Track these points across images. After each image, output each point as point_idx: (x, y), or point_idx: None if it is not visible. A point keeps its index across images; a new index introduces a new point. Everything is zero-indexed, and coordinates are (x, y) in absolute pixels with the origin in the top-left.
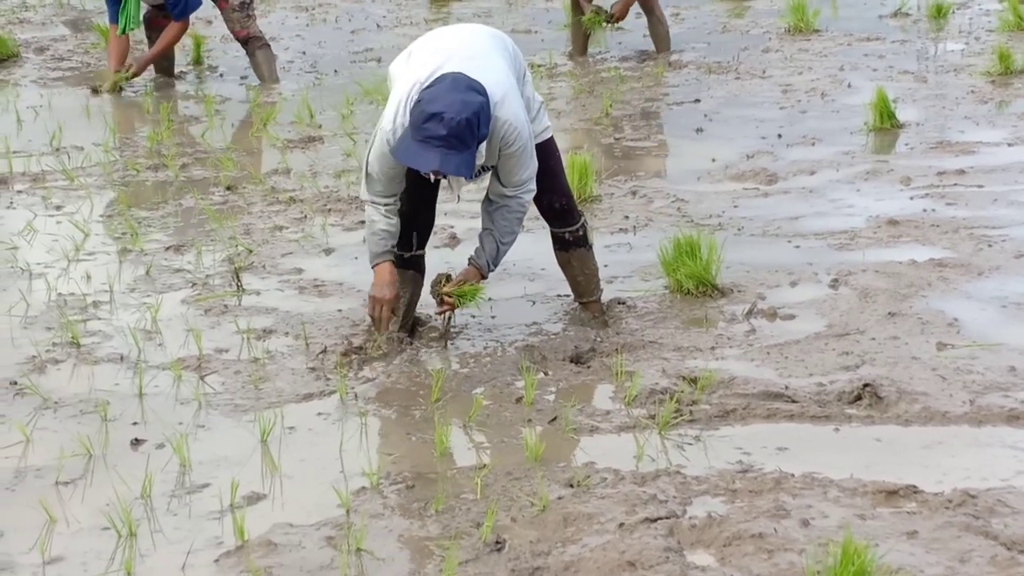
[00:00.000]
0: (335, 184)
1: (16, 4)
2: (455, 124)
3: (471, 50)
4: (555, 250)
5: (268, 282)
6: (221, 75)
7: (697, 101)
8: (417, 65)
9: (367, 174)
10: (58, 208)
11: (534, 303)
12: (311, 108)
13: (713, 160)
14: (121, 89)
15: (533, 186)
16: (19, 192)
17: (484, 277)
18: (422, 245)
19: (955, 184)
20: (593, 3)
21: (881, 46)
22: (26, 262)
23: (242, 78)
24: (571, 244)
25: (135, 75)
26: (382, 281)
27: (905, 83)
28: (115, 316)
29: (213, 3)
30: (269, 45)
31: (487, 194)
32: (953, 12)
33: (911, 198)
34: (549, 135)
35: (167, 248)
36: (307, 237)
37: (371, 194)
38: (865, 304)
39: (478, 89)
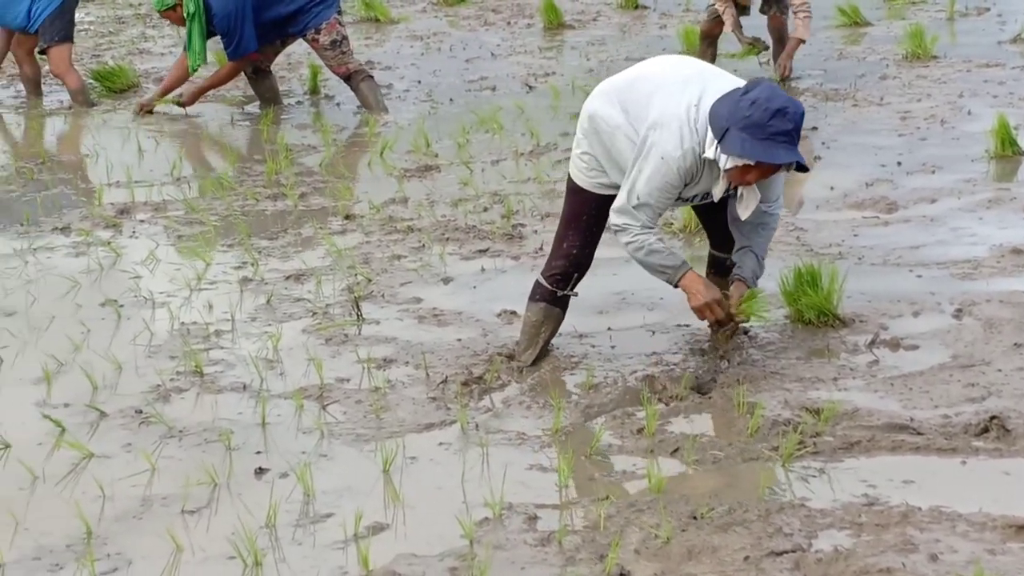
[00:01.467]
0: (452, 213)
1: (136, 35)
2: (797, 117)
3: (716, 70)
4: (709, 275)
5: (387, 311)
6: (338, 104)
7: (815, 129)
8: (673, 92)
9: (640, 205)
10: (179, 237)
11: (654, 333)
12: (427, 137)
13: (832, 188)
14: (150, 112)
15: (783, 202)
16: (141, 222)
17: (751, 287)
18: (575, 286)
19: None
20: (749, 35)
21: (1001, 72)
22: (149, 291)
23: (358, 107)
24: (729, 271)
25: (185, 105)
26: (698, 286)
27: None
28: (237, 345)
29: (307, 44)
30: (371, 76)
31: (736, 214)
32: None
33: None
34: None
35: (287, 277)
36: (425, 266)
37: (640, 225)
38: (990, 335)
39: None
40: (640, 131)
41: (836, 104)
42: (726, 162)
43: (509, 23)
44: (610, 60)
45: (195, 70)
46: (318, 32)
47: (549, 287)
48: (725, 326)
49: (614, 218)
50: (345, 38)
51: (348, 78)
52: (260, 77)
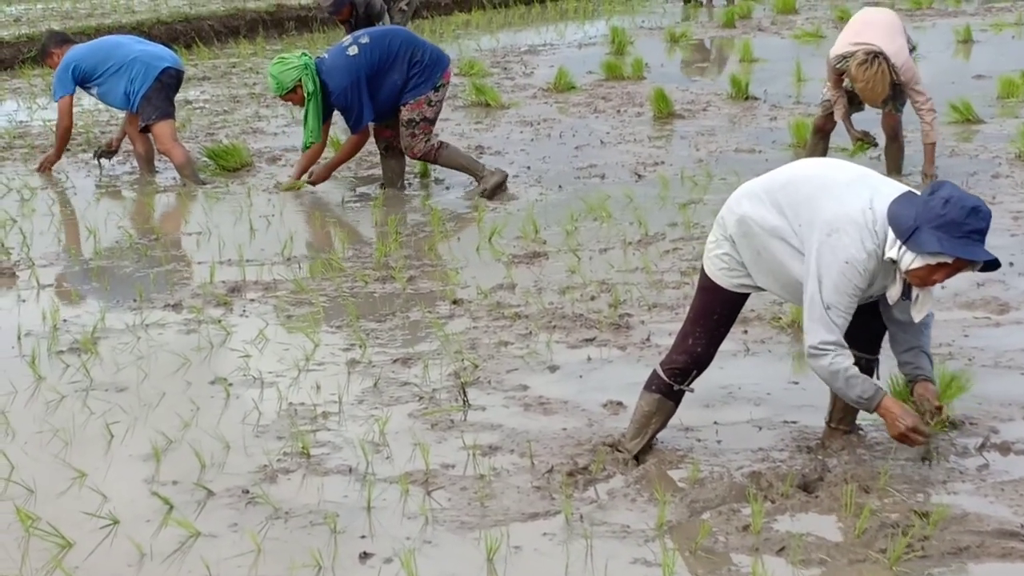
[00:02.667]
0: (560, 301)
1: (250, 114)
2: (989, 215)
3: (866, 171)
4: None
5: (493, 398)
6: (447, 187)
7: None
8: (840, 196)
9: (831, 309)
10: (289, 318)
11: (760, 428)
12: (536, 223)
13: (943, 287)
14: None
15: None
16: (252, 300)
17: (933, 384)
18: (692, 382)
19: None
20: (859, 129)
21: None
22: (258, 371)
23: (467, 191)
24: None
25: (314, 183)
26: (898, 412)
27: None
28: (344, 427)
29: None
30: (444, 145)
31: (894, 316)
32: None
33: None
34: None
35: (394, 360)
36: (532, 353)
37: (835, 337)
38: None
39: None
40: (805, 234)
41: None
42: (912, 262)
43: (619, 111)
44: (719, 151)
45: (308, 147)
46: (404, 105)
47: (667, 380)
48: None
49: (809, 338)
50: (426, 119)
51: (421, 159)
52: (390, 155)
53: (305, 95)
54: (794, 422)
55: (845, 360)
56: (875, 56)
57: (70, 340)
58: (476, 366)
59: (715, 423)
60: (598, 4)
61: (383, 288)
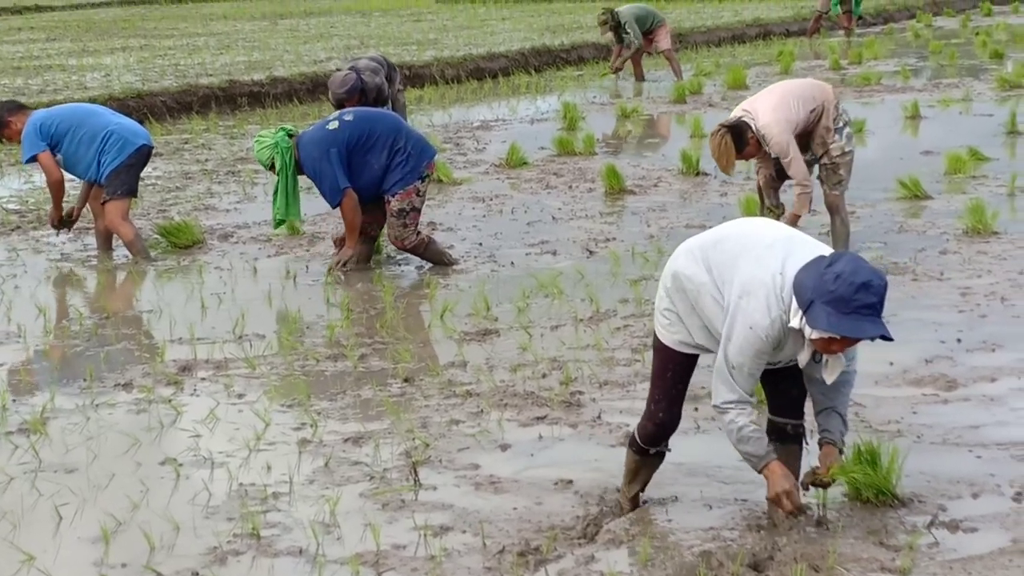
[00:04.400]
0: (511, 378)
1: (202, 191)
2: (882, 290)
3: (799, 235)
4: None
5: (445, 477)
6: (399, 264)
7: None
8: (758, 258)
9: (735, 369)
10: (240, 397)
11: (711, 507)
12: (488, 300)
13: (891, 364)
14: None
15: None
16: (203, 379)
17: (841, 452)
18: (666, 443)
19: None
20: (772, 201)
21: None
22: (209, 451)
23: (419, 268)
24: (791, 438)
25: (348, 261)
26: (778, 476)
27: None
28: (294, 508)
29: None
30: (432, 240)
31: (813, 376)
32: None
33: None
34: None
35: (346, 440)
36: (483, 432)
37: (737, 396)
38: None
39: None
40: (726, 294)
41: (896, 278)
42: (811, 333)
43: (571, 187)
44: (671, 227)
45: (279, 224)
46: (393, 196)
47: (641, 444)
48: (796, 515)
49: (714, 397)
50: (416, 210)
51: (409, 251)
52: (361, 240)
53: (276, 168)
54: (744, 500)
55: (743, 419)
56: (720, 127)
57: (19, 421)
58: (427, 445)
59: (666, 501)
60: (550, 80)
61: (334, 366)
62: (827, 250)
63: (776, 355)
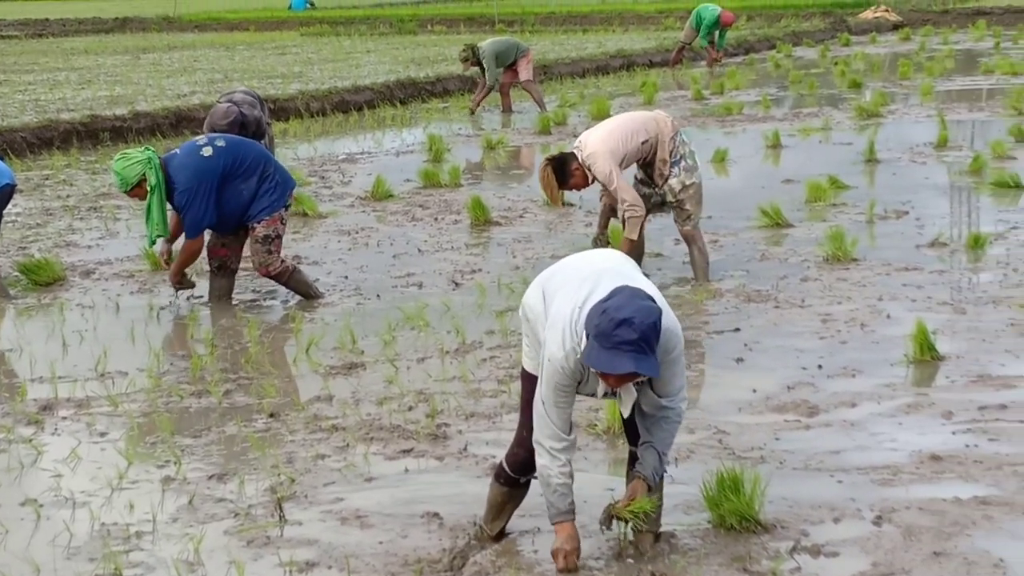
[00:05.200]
0: (377, 412)
1: (63, 227)
2: (644, 327)
3: (620, 270)
4: (629, 469)
5: (310, 512)
6: (264, 299)
7: (737, 330)
8: (570, 291)
9: (548, 406)
10: (102, 435)
11: None
12: (353, 333)
13: (754, 391)
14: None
15: (686, 395)
16: (64, 418)
17: (651, 489)
18: (535, 471)
19: (997, 419)
20: (601, 232)
21: (919, 276)
22: (70, 490)
23: (284, 302)
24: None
25: (182, 287)
26: (564, 536)
27: (944, 314)
28: (158, 547)
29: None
30: (296, 269)
31: (641, 408)
32: (991, 243)
33: (953, 433)
34: None
35: (210, 477)
36: (349, 466)
37: (549, 436)
38: (909, 543)
39: (652, 298)
40: (544, 325)
41: (758, 305)
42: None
43: (436, 219)
44: (536, 258)
45: (154, 241)
46: (259, 222)
47: (511, 474)
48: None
49: (535, 431)
50: (279, 237)
51: (276, 278)
52: (222, 274)
53: (148, 189)
54: (610, 529)
55: (555, 468)
56: (545, 160)
57: None
58: (293, 480)
59: (531, 532)
60: (415, 112)
61: (199, 403)
62: (636, 283)
63: (584, 387)
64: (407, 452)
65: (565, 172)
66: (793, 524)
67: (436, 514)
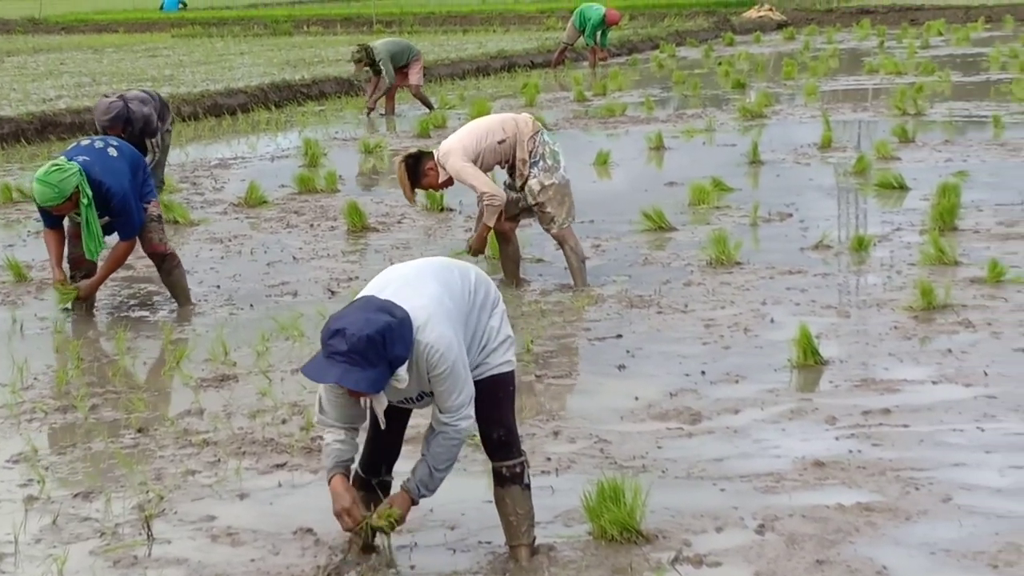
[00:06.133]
0: (250, 425)
1: None
2: (355, 340)
3: (409, 278)
4: (493, 486)
5: (180, 530)
6: (133, 309)
7: (619, 336)
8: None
9: (320, 405)
10: None
11: (455, 551)
12: (226, 345)
13: (636, 398)
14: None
15: (468, 413)
16: None
17: (415, 503)
18: (388, 471)
19: (880, 424)
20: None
21: (803, 279)
22: None
23: (153, 312)
24: (507, 480)
25: (83, 299)
26: (335, 493)
27: (828, 318)
28: (20, 569)
29: None
30: (180, 263)
31: (430, 421)
32: (875, 245)
33: (837, 438)
34: (508, 369)
35: (75, 495)
36: (220, 482)
37: (327, 425)
38: (792, 551)
39: (389, 311)
40: None
41: (641, 311)
42: None
43: (312, 225)
44: None
45: (95, 254)
46: (148, 203)
47: (360, 473)
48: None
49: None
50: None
51: (164, 258)
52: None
53: (84, 202)
54: (488, 542)
55: (328, 436)
56: (401, 157)
57: None
58: (162, 497)
59: (408, 547)
60: (291, 115)
61: (64, 418)
62: (430, 298)
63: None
64: (280, 466)
65: (419, 170)
66: (675, 534)
67: (310, 530)
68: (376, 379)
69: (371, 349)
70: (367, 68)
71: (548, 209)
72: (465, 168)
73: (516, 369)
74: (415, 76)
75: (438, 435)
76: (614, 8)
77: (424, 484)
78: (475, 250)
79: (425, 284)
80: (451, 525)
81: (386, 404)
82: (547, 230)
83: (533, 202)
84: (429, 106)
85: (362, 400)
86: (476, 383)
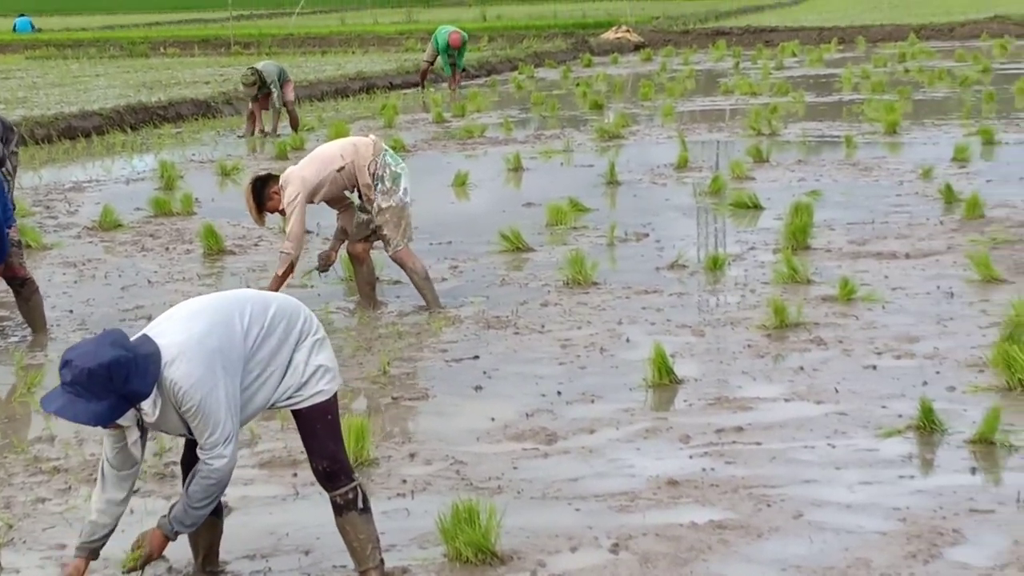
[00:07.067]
0: (101, 451)
1: None
2: (77, 371)
3: (181, 315)
4: (333, 515)
5: (29, 559)
6: None
7: (476, 358)
8: None
9: (104, 451)
10: None
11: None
12: None
13: (492, 419)
14: None
15: (223, 453)
16: None
17: (170, 539)
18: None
19: (734, 442)
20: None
21: (659, 299)
22: None
23: (3, 338)
24: (343, 507)
25: None
26: (67, 572)
27: (683, 337)
28: None
29: None
30: (38, 288)
31: None
32: (729, 264)
33: (690, 457)
34: (321, 400)
35: None
36: (71, 509)
37: (98, 487)
38: (646, 570)
39: (124, 345)
40: None
41: (498, 332)
42: None
43: (168, 249)
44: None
45: None
46: (10, 227)
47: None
48: None
49: None
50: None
51: (24, 283)
52: None
53: None
54: (344, 566)
55: (95, 496)
56: (250, 179)
57: None
58: (11, 526)
59: (261, 571)
60: (147, 138)
61: None
62: (188, 334)
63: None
64: (134, 492)
65: (264, 193)
66: (530, 554)
67: (163, 557)
68: (101, 412)
69: (94, 382)
70: (250, 90)
71: (384, 231)
72: (293, 203)
73: (334, 398)
74: (290, 93)
75: (197, 471)
76: (472, 30)
77: (178, 520)
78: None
79: (192, 321)
80: (305, 550)
81: (136, 436)
82: (386, 252)
83: (375, 226)
84: (296, 124)
85: (127, 436)
86: (295, 415)
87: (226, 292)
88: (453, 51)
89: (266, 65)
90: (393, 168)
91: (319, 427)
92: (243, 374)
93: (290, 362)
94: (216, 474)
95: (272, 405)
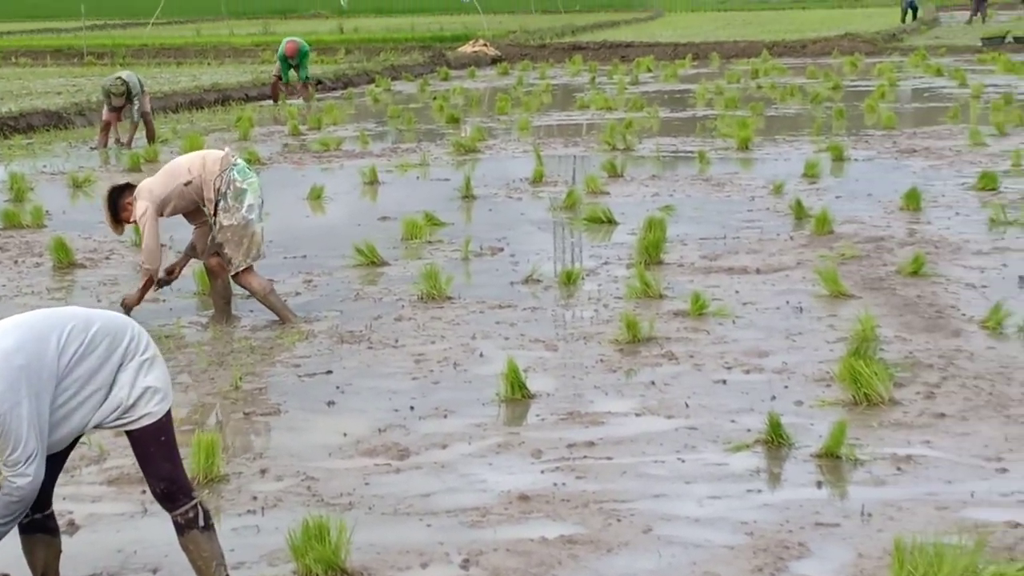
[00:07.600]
0: None
1: None
2: None
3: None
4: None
5: None
6: None
7: (329, 372)
8: None
9: None
10: None
11: None
12: None
13: (344, 435)
14: None
15: (26, 472)
16: None
17: None
18: (40, 509)
19: (585, 456)
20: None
21: (513, 313)
22: None
23: None
24: (183, 527)
25: None
26: None
27: (536, 351)
28: None
29: None
30: None
31: None
32: (583, 279)
33: (542, 471)
34: (150, 421)
35: None
36: None
37: None
38: None
39: None
40: None
41: (352, 346)
42: None
43: (16, 262)
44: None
45: None
46: None
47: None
48: None
49: None
50: None
51: None
52: None
53: None
54: None
55: None
56: (107, 188)
57: None
58: None
59: None
60: None
61: None
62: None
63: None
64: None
65: (119, 204)
66: (380, 571)
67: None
68: None
69: None
70: (117, 100)
71: (226, 250)
72: (144, 216)
73: (166, 418)
74: (147, 103)
75: (2, 488)
76: (327, 43)
77: None
78: (127, 307)
79: (2, 338)
80: (153, 568)
81: None
82: (229, 271)
83: (217, 242)
84: (152, 136)
85: None
86: (128, 437)
87: (53, 309)
88: (292, 60)
89: (130, 75)
90: (239, 184)
91: (152, 449)
92: (56, 393)
93: (114, 382)
94: (19, 492)
95: (99, 425)
